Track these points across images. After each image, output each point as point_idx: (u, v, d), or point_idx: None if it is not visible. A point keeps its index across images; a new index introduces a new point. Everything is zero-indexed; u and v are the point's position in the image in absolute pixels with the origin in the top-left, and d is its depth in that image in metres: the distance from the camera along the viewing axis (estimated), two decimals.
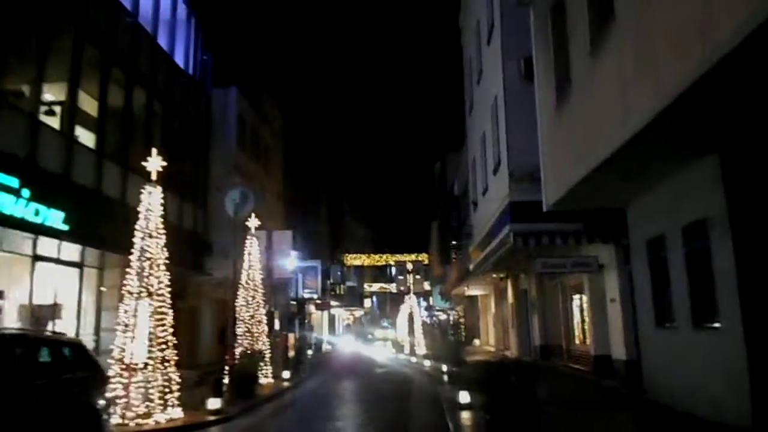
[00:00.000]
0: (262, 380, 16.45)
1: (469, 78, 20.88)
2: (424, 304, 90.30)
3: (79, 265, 17.76)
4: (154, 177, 11.39)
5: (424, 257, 49.17)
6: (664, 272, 9.52)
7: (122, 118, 18.25)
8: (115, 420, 9.95)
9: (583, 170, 8.50)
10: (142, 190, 11.55)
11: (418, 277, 29.38)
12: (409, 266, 29.03)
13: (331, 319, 60.93)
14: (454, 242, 27.99)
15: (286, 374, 17.45)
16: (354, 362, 26.71)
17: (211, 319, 23.64)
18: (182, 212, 21.47)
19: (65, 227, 14.31)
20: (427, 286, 68.64)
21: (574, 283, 16.76)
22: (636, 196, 10.20)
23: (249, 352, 16.59)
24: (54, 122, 15.57)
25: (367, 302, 76.30)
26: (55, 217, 13.98)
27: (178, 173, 21.77)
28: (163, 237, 11.35)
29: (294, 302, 44.70)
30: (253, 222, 18.21)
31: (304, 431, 10.41)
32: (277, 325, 20.44)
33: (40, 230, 13.71)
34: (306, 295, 46.86)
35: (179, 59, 21.75)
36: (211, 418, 10.96)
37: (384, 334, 51.99)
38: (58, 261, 15.66)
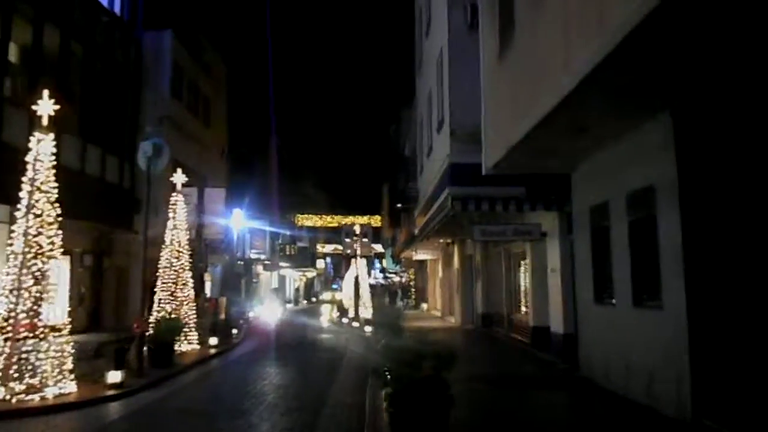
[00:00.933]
0: (186, 347, 15.37)
1: (419, 31, 19.63)
2: (378, 266, 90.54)
3: None
4: (45, 122, 9.85)
5: (377, 220, 48.31)
6: (606, 243, 8.78)
7: (29, 58, 16.32)
8: None
9: (525, 127, 7.53)
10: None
11: (365, 240, 28.38)
12: (357, 228, 27.98)
13: (282, 280, 59.88)
14: (399, 205, 27.04)
15: (213, 341, 16.36)
16: (291, 327, 25.77)
17: (142, 280, 22.04)
18: (105, 165, 19.79)
19: None
20: (380, 248, 68.33)
21: (518, 251, 16.12)
22: (581, 160, 9.37)
23: (171, 317, 15.40)
24: None
25: (320, 263, 75.65)
26: None
27: (100, 123, 20.00)
28: (55, 191, 9.88)
29: (241, 262, 43.48)
30: (178, 177, 16.75)
31: (209, 408, 9.38)
32: (209, 289, 19.20)
33: None
34: (253, 256, 45.60)
35: None
36: (111, 392, 9.83)
37: (332, 297, 50.47)
38: None
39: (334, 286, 60.03)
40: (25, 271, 9.44)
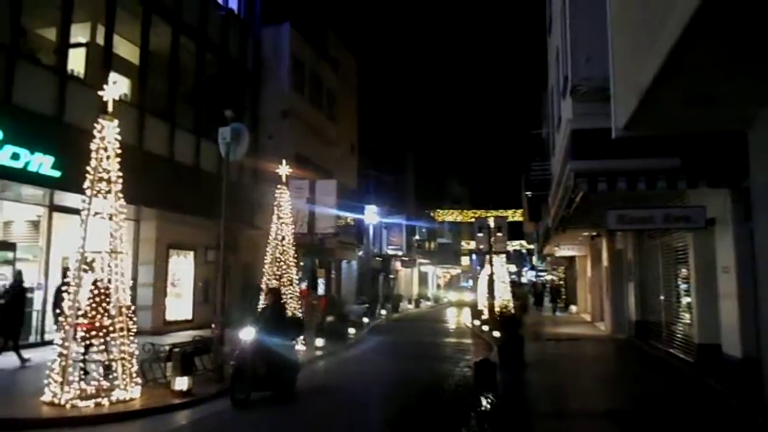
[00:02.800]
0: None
1: None
2: (528, 264, 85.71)
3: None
4: (110, 108, 9.11)
5: (518, 214, 44.93)
6: None
7: (139, 58, 16.42)
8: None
9: (663, 51, 4.94)
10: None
11: (500, 234, 25.80)
12: (491, 222, 25.55)
13: (423, 277, 58.65)
14: (528, 193, 24.01)
15: (319, 342, 15.20)
16: (416, 329, 24.04)
17: (243, 277, 21.72)
18: (222, 162, 19.60)
19: (56, 173, 12.76)
20: (524, 244, 64.31)
21: (680, 244, 12.80)
22: (763, 107, 6.41)
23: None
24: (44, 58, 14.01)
25: (465, 260, 73.32)
26: (41, 162, 12.44)
27: (218, 119, 19.90)
28: (119, 181, 9.11)
29: (378, 258, 42.85)
30: (283, 169, 15.86)
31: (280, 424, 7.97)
32: (321, 287, 18.19)
33: (20, 176, 12.24)
34: (390, 252, 44.79)
35: None
36: (176, 401, 8.86)
37: (459, 297, 44.83)
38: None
39: (464, 284, 54.84)
40: (85, 266, 8.71)
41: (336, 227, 17.49)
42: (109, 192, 8.95)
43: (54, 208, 14.42)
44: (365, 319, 24.44)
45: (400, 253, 45.04)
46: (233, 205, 19.74)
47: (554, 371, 12.26)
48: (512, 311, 22.92)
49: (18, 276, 11.81)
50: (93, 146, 8.93)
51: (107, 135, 8.98)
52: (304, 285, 18.03)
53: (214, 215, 19.75)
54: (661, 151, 8.35)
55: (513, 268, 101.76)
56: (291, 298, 14.96)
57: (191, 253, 19.72)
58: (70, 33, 13.65)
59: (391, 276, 45.37)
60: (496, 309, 20.75)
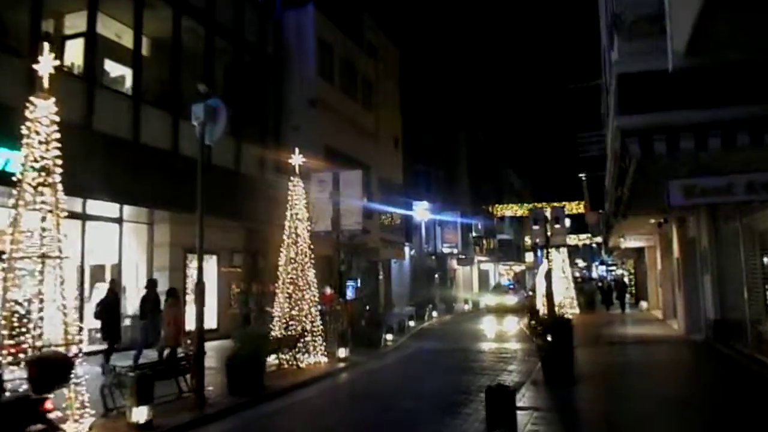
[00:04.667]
0: (309, 360, 12.75)
1: None
2: (598, 259, 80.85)
3: (118, 221, 15.62)
4: (45, 83, 7.65)
5: (579, 206, 41.46)
6: None
7: (159, 50, 15.25)
8: None
9: None
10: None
11: (557, 226, 23.20)
12: (548, 212, 23.03)
13: (483, 276, 55.95)
14: (582, 175, 21.27)
15: (342, 353, 13.45)
16: (463, 335, 21.87)
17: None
18: (241, 157, 18.23)
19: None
20: (593, 238, 60.44)
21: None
22: None
23: (287, 325, 12.91)
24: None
25: (529, 256, 69.93)
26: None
27: (236, 110, 18.59)
28: (58, 171, 7.60)
29: (432, 257, 40.76)
30: (296, 159, 14.24)
31: None
32: (351, 291, 16.43)
33: None
34: (445, 250, 42.56)
35: None
36: None
37: (499, 301, 33.49)
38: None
39: (505, 284, 44.62)
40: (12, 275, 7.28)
41: (363, 223, 15.66)
42: (45, 184, 7.48)
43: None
44: (411, 323, 22.57)
45: (455, 251, 42.78)
46: (254, 202, 18.50)
47: (612, 389, 9.94)
48: (565, 313, 20.41)
49: (111, 284, 12.77)
50: (24, 130, 7.50)
51: (41, 116, 7.53)
52: (328, 289, 16.37)
53: (237, 216, 18.70)
54: (737, 95, 6.06)
55: (581, 263, 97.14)
56: (309, 303, 13.34)
57: (214, 258, 18.45)
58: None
59: (449, 276, 43.15)
60: (546, 309, 18.32)
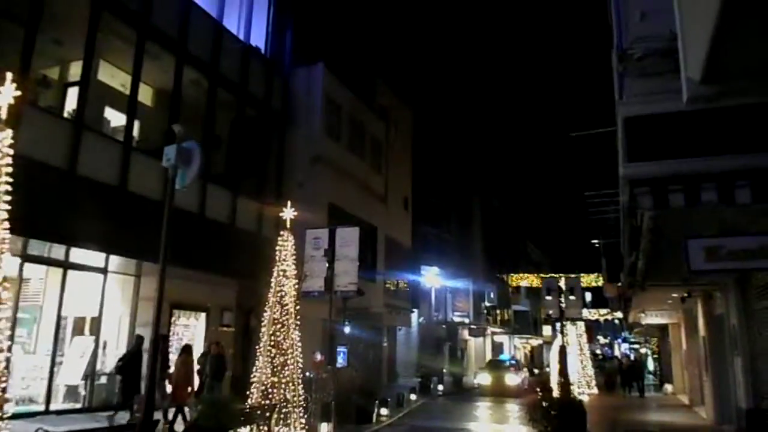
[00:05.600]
0: None
1: None
2: (620, 336, 77.43)
3: (103, 271, 14.79)
4: (3, 114, 7.06)
5: (597, 278, 39.69)
6: None
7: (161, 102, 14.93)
8: None
9: None
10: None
11: (572, 298, 21.83)
12: (562, 283, 21.82)
13: (497, 348, 53.59)
14: (595, 241, 20.00)
15: (324, 428, 12.08)
16: (469, 410, 20.16)
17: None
18: (237, 211, 17.49)
19: None
20: (614, 313, 58.06)
21: None
22: None
23: (264, 393, 11.66)
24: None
25: (546, 330, 67.44)
26: None
27: (234, 166, 18.06)
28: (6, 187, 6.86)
29: (443, 326, 39.04)
30: (288, 212, 13.42)
31: None
32: (342, 359, 15.11)
33: None
34: (456, 319, 40.82)
35: (232, 26, 18.14)
36: None
37: (496, 380, 26.06)
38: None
39: (502, 358, 37.83)
40: None
41: (358, 284, 14.54)
42: None
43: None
44: (413, 396, 20.99)
45: (467, 320, 41.10)
46: (249, 259, 17.58)
47: None
48: (581, 393, 18.70)
49: (138, 340, 13.09)
50: None
51: None
52: (318, 355, 15.15)
53: (229, 272, 17.78)
54: None
55: (602, 339, 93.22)
56: (291, 369, 12.12)
57: (202, 315, 17.43)
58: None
59: (460, 347, 41.21)
60: (559, 389, 16.79)
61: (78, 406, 13.37)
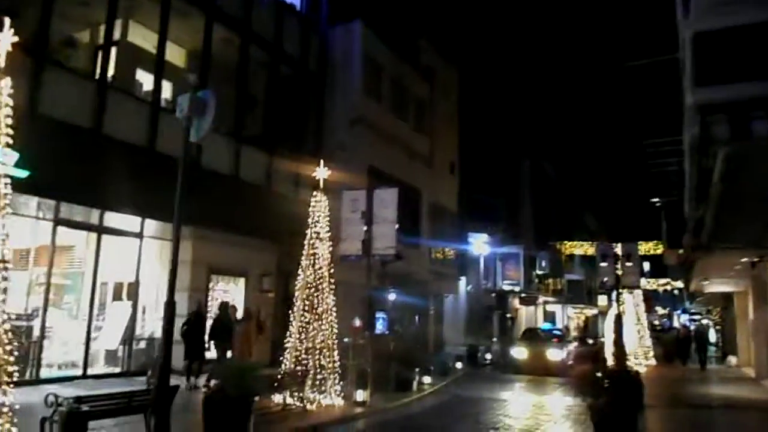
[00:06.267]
0: (325, 401, 11.05)
1: None
2: (680, 307, 74.30)
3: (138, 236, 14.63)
4: (1, 61, 6.58)
5: (657, 246, 37.43)
6: None
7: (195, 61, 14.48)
8: None
9: None
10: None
11: (629, 264, 20.54)
12: (618, 249, 20.58)
13: (549, 318, 52.24)
14: (655, 200, 18.46)
15: (360, 395, 11.60)
16: (515, 379, 19.32)
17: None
18: (272, 173, 16.98)
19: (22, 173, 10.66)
20: (674, 283, 55.46)
21: None
22: None
23: (297, 359, 11.25)
24: None
25: (602, 299, 65.43)
26: None
27: (271, 128, 17.49)
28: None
29: (492, 294, 38.08)
30: (321, 172, 12.82)
31: None
32: (381, 325, 14.54)
33: None
34: (506, 287, 39.73)
35: None
36: None
37: (535, 355, 21.24)
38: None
39: (547, 327, 30.52)
40: None
41: (397, 248, 13.86)
42: None
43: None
44: (459, 365, 20.32)
45: (517, 288, 39.98)
46: (289, 222, 17.12)
47: None
48: (639, 364, 17.55)
49: (198, 305, 13.39)
50: None
51: None
52: (357, 321, 14.65)
53: (266, 235, 17.40)
54: None
55: (661, 310, 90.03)
56: (326, 334, 11.65)
57: (242, 280, 17.16)
58: None
59: (509, 315, 40.23)
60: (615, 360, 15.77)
61: (117, 370, 13.37)
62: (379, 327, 14.35)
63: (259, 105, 17.70)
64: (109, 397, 7.13)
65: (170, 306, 7.56)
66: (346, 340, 13.18)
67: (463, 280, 31.08)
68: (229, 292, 17.07)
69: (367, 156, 19.95)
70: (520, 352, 22.12)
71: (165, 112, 13.50)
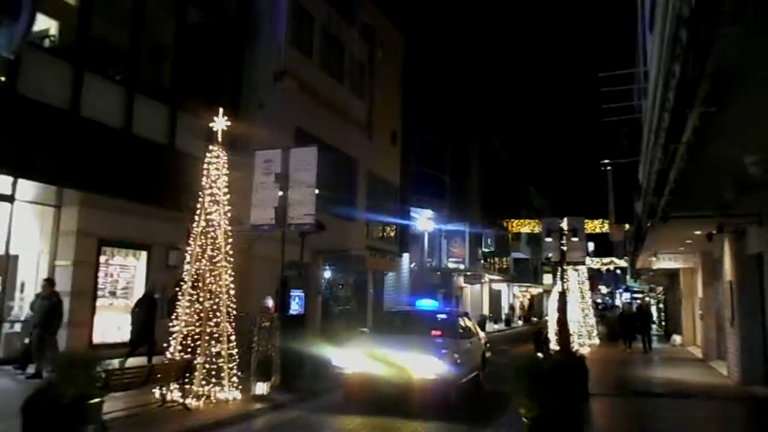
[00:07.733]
0: (220, 396, 9.11)
1: None
2: (622, 286, 75.43)
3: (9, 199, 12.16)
4: None
5: (603, 224, 36.71)
6: None
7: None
8: None
9: None
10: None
11: (574, 239, 19.09)
12: (564, 224, 19.14)
13: (495, 297, 51.61)
14: (605, 162, 17.19)
15: (260, 389, 9.69)
16: None
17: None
18: (185, 134, 14.66)
19: None
20: (617, 262, 55.72)
21: None
22: None
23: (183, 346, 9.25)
24: None
25: (547, 278, 65.50)
26: None
27: (180, 81, 15.15)
28: None
29: (437, 272, 36.76)
30: (219, 123, 10.74)
31: None
32: (297, 303, 12.64)
33: None
34: (451, 265, 38.53)
35: None
36: None
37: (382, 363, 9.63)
38: None
39: (423, 308, 14.22)
40: None
41: (316, 216, 11.91)
42: None
43: None
44: None
45: (462, 266, 38.77)
46: (196, 188, 14.93)
47: None
48: (582, 345, 16.31)
49: (151, 286, 13.02)
50: None
51: None
52: (270, 301, 12.71)
53: (171, 204, 15.11)
54: None
55: (604, 289, 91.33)
56: (216, 321, 9.66)
57: (143, 254, 14.84)
58: None
59: (455, 294, 39.07)
60: (558, 340, 14.40)
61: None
62: (295, 307, 12.46)
63: (168, 55, 15.31)
64: None
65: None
66: (250, 324, 11.22)
67: (405, 257, 29.43)
68: (129, 267, 14.78)
69: (294, 117, 17.83)
70: (355, 361, 10.00)
71: (48, 54, 11.05)
